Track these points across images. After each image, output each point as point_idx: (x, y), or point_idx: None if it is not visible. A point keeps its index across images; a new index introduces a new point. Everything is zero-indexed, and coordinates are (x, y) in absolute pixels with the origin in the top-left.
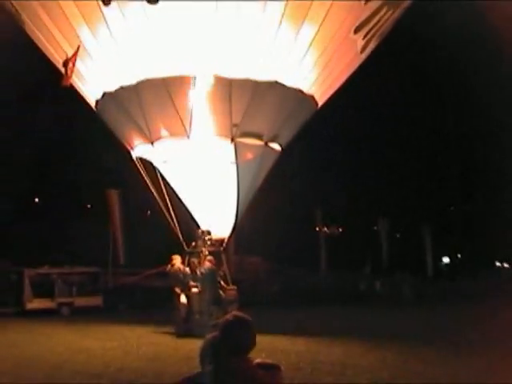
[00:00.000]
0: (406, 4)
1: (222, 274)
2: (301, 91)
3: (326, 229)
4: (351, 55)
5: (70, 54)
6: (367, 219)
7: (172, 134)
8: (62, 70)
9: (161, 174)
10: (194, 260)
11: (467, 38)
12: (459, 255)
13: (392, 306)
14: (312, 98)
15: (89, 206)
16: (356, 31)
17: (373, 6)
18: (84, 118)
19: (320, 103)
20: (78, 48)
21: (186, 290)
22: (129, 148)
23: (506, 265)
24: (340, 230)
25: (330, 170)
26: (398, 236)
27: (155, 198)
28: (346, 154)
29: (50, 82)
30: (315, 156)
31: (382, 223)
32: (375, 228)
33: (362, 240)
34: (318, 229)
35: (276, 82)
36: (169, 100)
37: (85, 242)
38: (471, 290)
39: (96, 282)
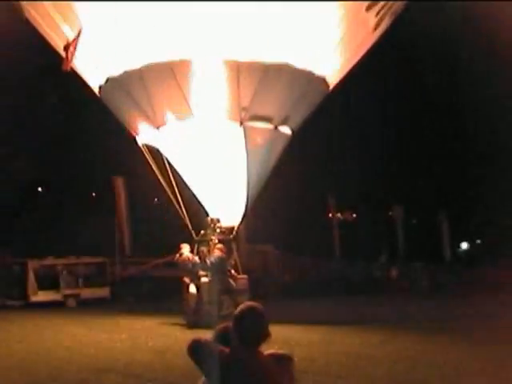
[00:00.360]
0: None
1: (232, 262)
2: (311, 73)
3: (339, 215)
4: (363, 34)
5: (71, 39)
6: (382, 205)
7: (178, 119)
8: (63, 54)
9: (168, 161)
10: (204, 249)
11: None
12: (479, 241)
13: (409, 296)
14: (323, 80)
15: (94, 194)
16: (368, 9)
17: None
18: (88, 104)
19: (332, 85)
20: (80, 32)
21: (196, 279)
22: (134, 134)
23: None
24: (354, 216)
25: (343, 154)
26: (414, 222)
27: (162, 186)
28: (360, 138)
29: (52, 68)
30: (328, 140)
31: (398, 209)
32: (390, 214)
33: (377, 227)
34: (331, 215)
35: (286, 64)
36: (175, 84)
37: (90, 232)
38: (492, 277)
39: (102, 272)
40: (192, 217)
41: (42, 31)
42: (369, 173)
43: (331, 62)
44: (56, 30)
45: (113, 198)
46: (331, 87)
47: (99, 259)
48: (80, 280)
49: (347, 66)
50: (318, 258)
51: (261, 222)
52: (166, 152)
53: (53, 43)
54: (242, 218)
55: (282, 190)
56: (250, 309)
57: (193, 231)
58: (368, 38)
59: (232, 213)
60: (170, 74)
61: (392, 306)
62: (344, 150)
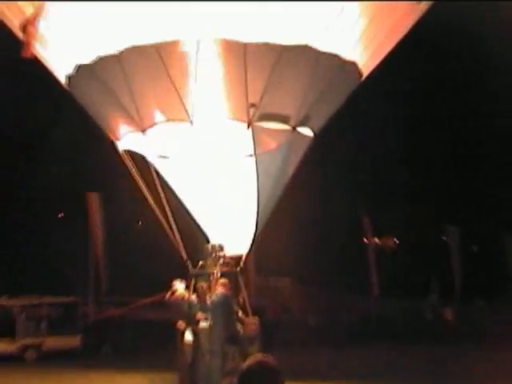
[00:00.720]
0: None
1: (239, 301)
2: (339, 57)
3: (377, 240)
4: (405, 5)
5: (30, 16)
6: (432, 227)
7: (169, 119)
8: (22, 36)
9: (156, 172)
10: (203, 284)
11: None
12: None
13: (469, 345)
14: (354, 65)
15: (61, 214)
16: None
17: None
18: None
19: (365, 72)
20: (41, 7)
21: (193, 324)
22: (113, 138)
23: None
24: (396, 241)
25: (380, 163)
26: (473, 248)
27: (149, 204)
28: (403, 145)
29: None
30: (361, 146)
31: (453, 232)
32: (444, 239)
33: (426, 255)
34: (366, 240)
35: (306, 46)
36: (164, 73)
37: (56, 263)
38: None
39: (72, 316)
40: (188, 243)
41: None
42: (414, 187)
43: (364, 43)
44: (10, 5)
45: (86, 220)
46: (364, 75)
47: (68, 299)
48: (43, 326)
49: (385, 47)
50: (349, 294)
51: (276, 250)
52: (155, 161)
53: (9, 23)
54: (252, 245)
55: (302, 209)
56: (261, 363)
57: (189, 262)
58: (413, 10)
59: (239, 238)
60: (158, 60)
61: (448, 359)
62: (382, 159)
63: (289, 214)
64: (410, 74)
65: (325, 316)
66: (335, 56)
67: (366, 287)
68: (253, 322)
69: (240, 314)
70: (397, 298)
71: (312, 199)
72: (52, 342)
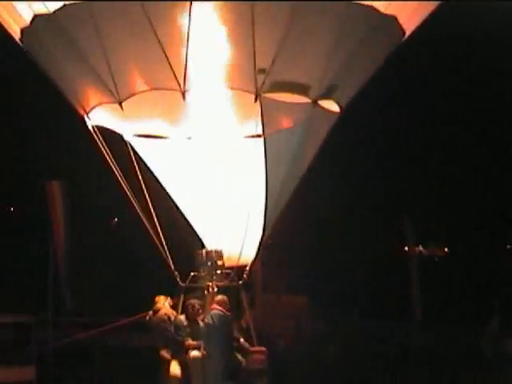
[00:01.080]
0: None
1: (242, 325)
2: (374, 10)
3: (421, 249)
4: None
5: None
6: (490, 233)
7: (154, 88)
8: None
9: (136, 156)
10: (195, 302)
11: None
12: None
13: None
14: (393, 20)
15: (12, 208)
16: None
17: None
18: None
19: (408, 29)
20: None
21: (180, 353)
22: (81, 111)
23: None
24: (445, 250)
25: (424, 154)
26: None
27: (126, 195)
28: (450, 132)
29: None
30: (402, 127)
31: None
32: (508, 247)
33: (483, 268)
34: (407, 249)
35: None
36: (148, 29)
37: (5, 271)
38: None
39: (25, 340)
40: (176, 249)
41: None
42: (466, 183)
43: None
44: None
45: (45, 215)
46: (407, 33)
47: (20, 318)
48: None
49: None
50: (384, 318)
51: (289, 259)
52: (134, 141)
53: None
54: (258, 251)
55: (322, 207)
56: None
57: (176, 273)
58: None
59: (241, 243)
60: (139, 11)
61: None
62: (427, 145)
63: (305, 213)
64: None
65: (348, 345)
66: (369, 8)
67: (406, 309)
68: (259, 351)
69: (242, 341)
70: (445, 324)
71: (336, 194)
72: None
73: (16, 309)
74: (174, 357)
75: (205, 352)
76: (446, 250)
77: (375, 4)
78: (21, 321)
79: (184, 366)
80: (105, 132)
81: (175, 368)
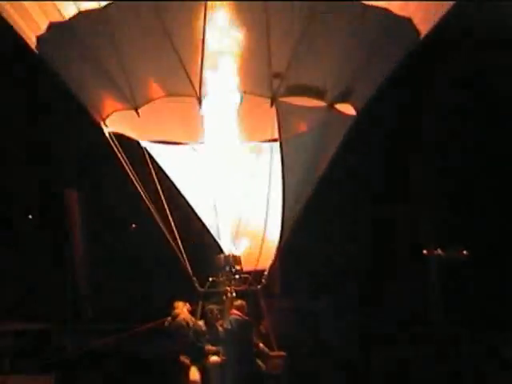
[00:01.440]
0: None
1: (261, 330)
2: (389, 11)
3: (440, 252)
4: None
5: None
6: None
7: (170, 93)
8: None
9: (153, 162)
10: (213, 307)
11: None
12: None
13: None
14: (409, 22)
15: (30, 216)
16: None
17: None
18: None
19: (423, 30)
20: None
21: (200, 359)
22: (97, 118)
23: None
24: (465, 253)
25: (446, 146)
26: None
27: (144, 201)
28: (473, 133)
29: None
30: (420, 133)
31: None
32: None
33: (505, 272)
34: (426, 252)
35: None
36: (163, 35)
37: (24, 278)
38: None
39: (45, 348)
40: (194, 254)
41: None
42: (491, 180)
43: None
44: None
45: (63, 224)
46: (423, 33)
47: (38, 326)
48: (6, 362)
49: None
50: (404, 323)
51: (307, 263)
52: (150, 147)
53: None
54: (277, 256)
55: (341, 209)
56: None
57: (194, 278)
58: None
59: (259, 247)
60: (154, 16)
61: None
62: (447, 141)
63: (324, 215)
64: None
65: (371, 351)
66: (385, 10)
67: (425, 314)
68: (278, 356)
69: (261, 346)
70: (468, 332)
71: (354, 197)
72: (18, 383)
73: (35, 317)
74: (193, 362)
75: (224, 357)
76: (465, 253)
77: (390, 6)
78: (40, 329)
79: (203, 371)
80: (121, 138)
81: (195, 374)
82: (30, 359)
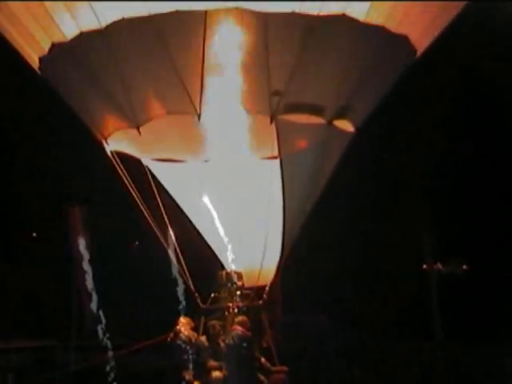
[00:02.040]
0: None
1: (263, 345)
2: (386, 29)
3: (439, 266)
4: None
5: None
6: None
7: (170, 112)
8: None
9: (154, 179)
10: (216, 323)
11: None
12: None
13: None
14: (405, 39)
15: (34, 234)
16: None
17: None
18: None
19: (420, 48)
20: None
21: (202, 374)
22: (99, 136)
23: None
24: (465, 267)
25: (442, 168)
26: None
27: (146, 219)
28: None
29: None
30: (421, 139)
31: None
32: None
33: (504, 286)
34: (425, 266)
35: (343, 16)
36: (162, 53)
37: (28, 295)
38: None
39: (48, 364)
40: (196, 270)
41: None
42: (486, 196)
43: (416, 12)
44: None
45: (66, 241)
46: (420, 51)
47: (42, 342)
48: (9, 377)
49: (443, 18)
50: (404, 338)
51: (308, 278)
52: (152, 165)
53: None
54: (278, 271)
55: (341, 225)
56: None
57: (197, 294)
58: None
59: (261, 263)
60: (154, 36)
61: None
62: (447, 155)
63: (324, 232)
64: None
65: (368, 365)
66: (381, 28)
67: (425, 329)
68: (280, 371)
69: (263, 360)
70: (469, 345)
71: (355, 212)
72: None
73: (40, 333)
74: (195, 378)
75: (226, 372)
76: (464, 267)
77: (387, 24)
78: (45, 345)
79: None
80: (123, 156)
81: None
82: (35, 376)
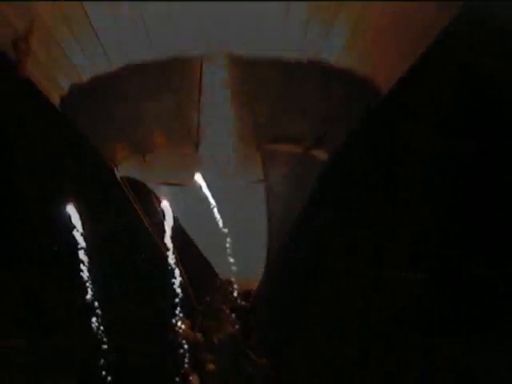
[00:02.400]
0: None
1: (251, 342)
2: (352, 73)
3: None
4: (429, 10)
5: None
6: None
7: (172, 142)
8: (13, 53)
9: (158, 200)
10: (210, 323)
11: None
12: None
13: None
14: (371, 82)
15: (55, 248)
16: None
17: None
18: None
19: (385, 88)
20: (33, 24)
21: (199, 367)
22: (111, 165)
23: None
24: (423, 275)
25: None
26: None
27: (151, 235)
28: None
29: None
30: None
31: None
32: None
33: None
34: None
35: (317, 62)
36: (165, 92)
37: (50, 302)
38: None
39: (70, 362)
40: (193, 278)
41: None
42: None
43: (380, 54)
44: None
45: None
46: (385, 91)
47: (65, 342)
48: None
49: (407, 59)
50: (379, 344)
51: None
52: (156, 189)
53: None
54: (263, 278)
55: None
56: None
57: (193, 297)
58: (437, 19)
59: (249, 270)
60: (158, 77)
61: None
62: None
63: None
64: None
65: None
66: (348, 71)
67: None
68: (264, 363)
69: (252, 356)
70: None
71: (334, 228)
72: None
73: (61, 334)
74: (192, 371)
75: (220, 366)
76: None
77: (354, 65)
78: (66, 346)
79: (202, 378)
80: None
81: (194, 381)
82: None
